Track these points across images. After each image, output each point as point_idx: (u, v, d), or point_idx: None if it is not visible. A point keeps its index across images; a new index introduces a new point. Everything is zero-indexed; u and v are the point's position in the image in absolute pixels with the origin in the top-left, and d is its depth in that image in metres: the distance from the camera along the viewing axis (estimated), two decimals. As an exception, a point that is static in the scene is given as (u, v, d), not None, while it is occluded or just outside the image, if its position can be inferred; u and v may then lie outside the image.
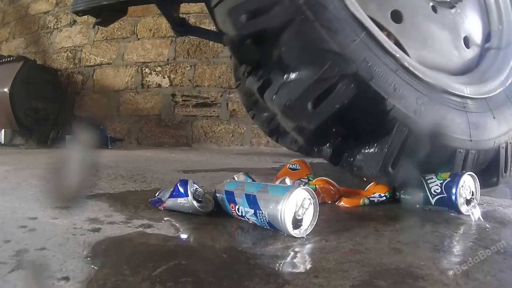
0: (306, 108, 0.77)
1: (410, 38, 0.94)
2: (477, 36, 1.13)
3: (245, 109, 2.36)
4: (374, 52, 0.80)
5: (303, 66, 0.77)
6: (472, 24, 1.13)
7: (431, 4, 1.03)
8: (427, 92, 0.84)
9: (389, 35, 0.91)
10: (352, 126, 0.82)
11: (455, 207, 0.74)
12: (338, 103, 0.76)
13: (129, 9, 1.61)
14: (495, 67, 1.07)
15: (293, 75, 0.78)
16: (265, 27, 0.78)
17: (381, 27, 0.89)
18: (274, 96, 0.81)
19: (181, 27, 1.90)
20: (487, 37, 1.16)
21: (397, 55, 0.83)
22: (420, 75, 0.84)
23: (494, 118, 0.93)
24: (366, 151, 0.81)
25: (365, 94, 0.76)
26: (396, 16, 0.95)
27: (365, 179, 0.91)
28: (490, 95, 0.97)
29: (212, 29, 2.12)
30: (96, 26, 3.40)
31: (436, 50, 1.00)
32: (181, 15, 3.27)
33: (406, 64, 0.83)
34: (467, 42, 1.09)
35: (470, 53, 1.09)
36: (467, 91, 0.92)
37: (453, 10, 1.08)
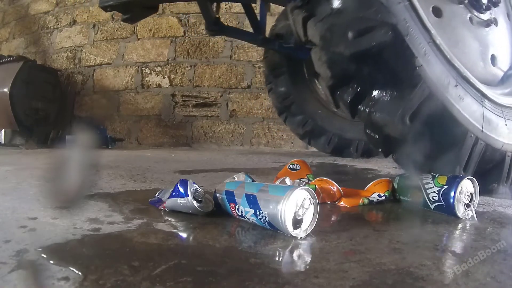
0: (346, 36, 0.87)
1: (445, 34, 0.99)
2: (503, 60, 1.19)
3: (265, 82, 2.47)
4: (413, 20, 0.90)
5: (351, 4, 0.89)
6: (501, 48, 1.20)
7: (469, 15, 1.11)
8: (451, 71, 0.91)
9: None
10: (379, 72, 0.89)
11: (454, 215, 0.73)
12: (375, 41, 0.86)
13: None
14: None
15: (339, 9, 0.89)
16: None
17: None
18: (319, 22, 0.92)
19: (216, 26, 1.91)
20: None
21: (432, 32, 0.92)
22: (448, 56, 0.93)
23: (506, 125, 0.98)
24: (388, 98, 0.87)
25: (399, 44, 0.86)
26: (437, 12, 1.03)
27: (376, 136, 0.93)
28: (505, 104, 1.01)
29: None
30: (96, 26, 3.40)
31: (465, 53, 1.04)
32: (181, 15, 3.27)
33: (437, 41, 0.92)
34: (493, 60, 1.14)
35: (493, 70, 1.14)
36: (486, 91, 0.97)
37: (487, 29, 1.15)
